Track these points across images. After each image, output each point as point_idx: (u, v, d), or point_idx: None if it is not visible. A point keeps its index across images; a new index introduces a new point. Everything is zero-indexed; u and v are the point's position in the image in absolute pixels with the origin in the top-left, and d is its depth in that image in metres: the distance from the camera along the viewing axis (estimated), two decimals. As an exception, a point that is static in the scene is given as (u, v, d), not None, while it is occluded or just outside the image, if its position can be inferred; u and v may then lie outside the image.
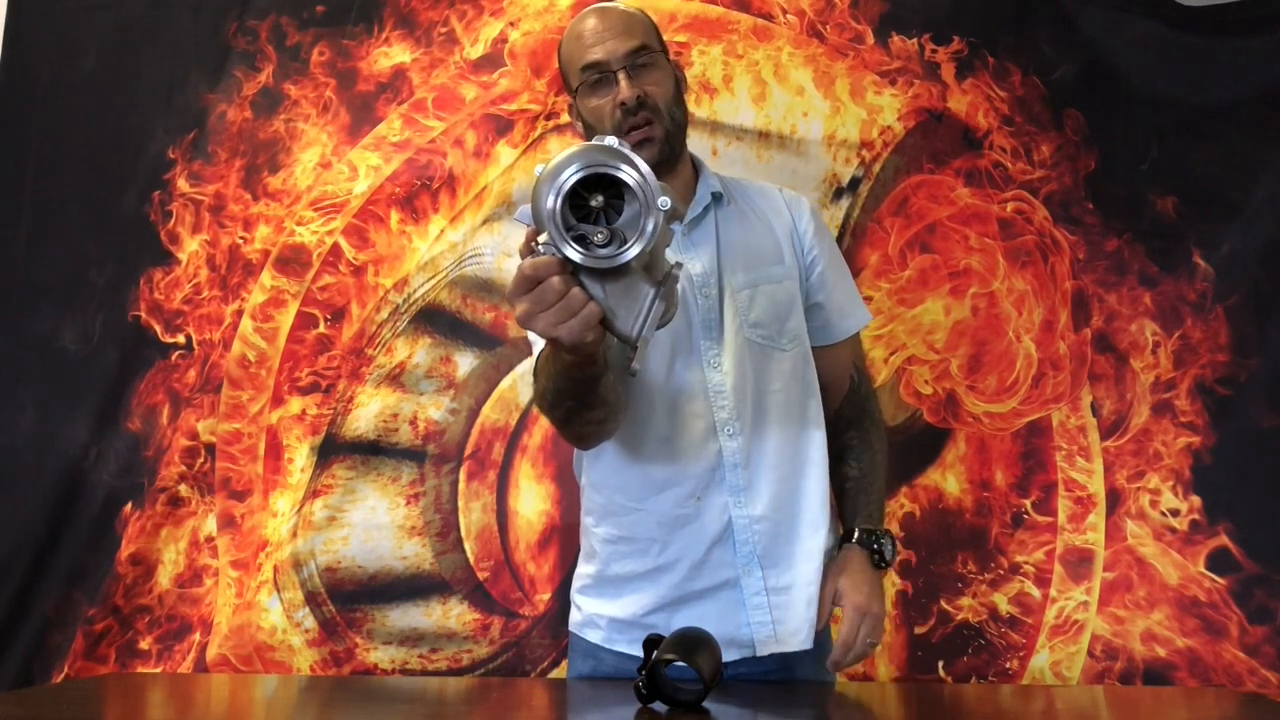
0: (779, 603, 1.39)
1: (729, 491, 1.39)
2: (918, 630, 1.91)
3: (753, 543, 1.39)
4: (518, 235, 1.72)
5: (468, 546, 1.99)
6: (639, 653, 1.39)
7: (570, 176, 1.00)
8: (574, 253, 1.00)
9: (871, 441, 1.53)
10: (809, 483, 1.43)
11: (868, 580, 1.43)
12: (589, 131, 1.45)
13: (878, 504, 1.51)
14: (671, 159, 1.44)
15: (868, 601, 1.40)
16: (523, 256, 1.05)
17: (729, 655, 1.36)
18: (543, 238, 1.02)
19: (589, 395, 1.23)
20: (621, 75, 1.39)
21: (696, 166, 1.52)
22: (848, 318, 1.54)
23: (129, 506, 2.00)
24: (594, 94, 1.42)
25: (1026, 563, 1.91)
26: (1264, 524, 1.86)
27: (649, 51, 1.42)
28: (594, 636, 1.46)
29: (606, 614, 1.45)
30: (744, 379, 1.41)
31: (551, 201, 1.00)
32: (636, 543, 1.42)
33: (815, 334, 1.51)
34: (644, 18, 1.47)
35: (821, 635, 1.44)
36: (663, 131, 1.41)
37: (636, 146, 1.38)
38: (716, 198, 1.49)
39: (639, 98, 1.38)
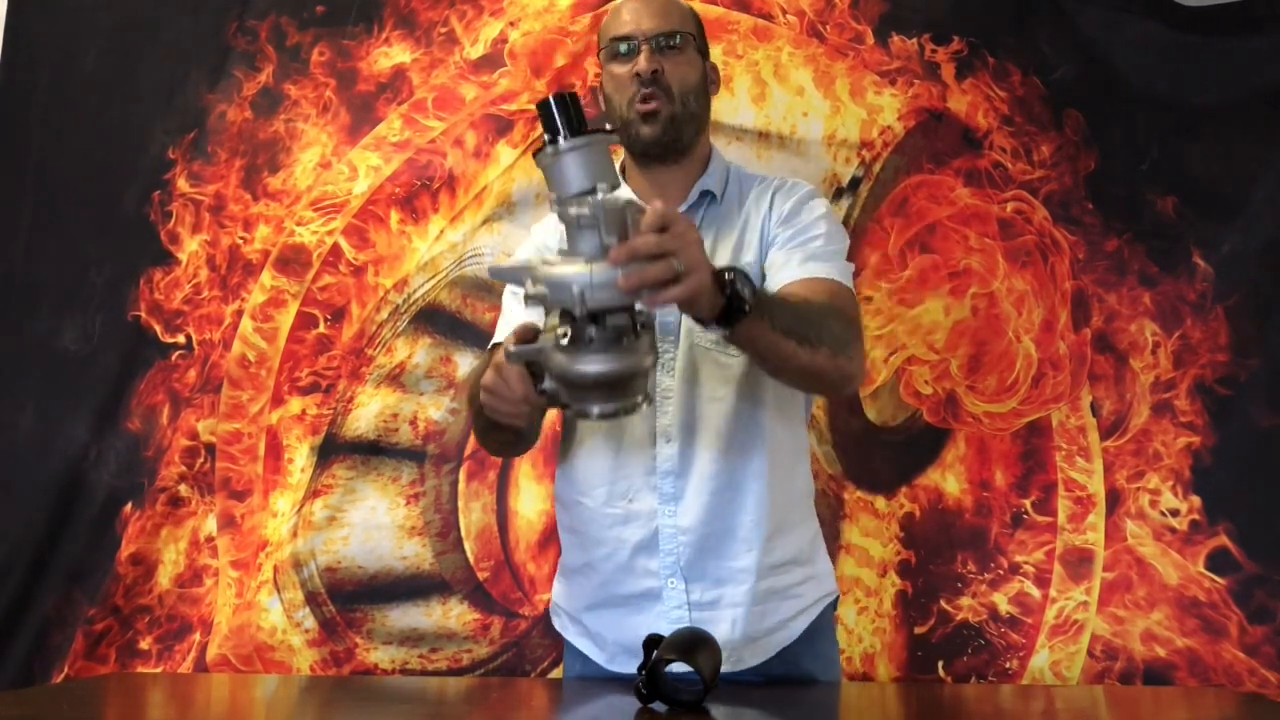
0: (702, 619, 1.34)
1: (659, 499, 1.37)
2: (918, 630, 1.91)
3: (677, 554, 1.36)
4: (517, 236, 1.71)
5: (468, 546, 1.99)
6: (583, 648, 1.43)
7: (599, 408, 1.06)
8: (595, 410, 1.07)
9: (811, 297, 1.30)
10: (747, 499, 1.37)
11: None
12: (607, 105, 1.45)
13: (773, 294, 1.26)
14: (677, 147, 1.42)
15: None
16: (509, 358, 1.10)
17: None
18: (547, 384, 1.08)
19: (508, 428, 1.25)
20: (644, 48, 1.40)
21: (708, 164, 1.47)
22: (812, 262, 1.36)
23: (129, 506, 2.00)
24: (616, 61, 1.42)
25: (1026, 563, 1.91)
26: (1264, 524, 1.86)
27: (681, 36, 1.42)
28: (557, 623, 1.50)
29: (562, 602, 1.49)
30: (689, 385, 1.38)
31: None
32: (575, 534, 1.45)
33: (772, 278, 1.37)
34: (687, 8, 1.48)
35: (815, 636, 1.42)
36: (670, 112, 1.39)
37: (641, 118, 1.40)
38: (706, 196, 1.45)
39: (654, 72, 1.38)
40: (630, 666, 1.37)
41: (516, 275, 1.05)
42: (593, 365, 1.02)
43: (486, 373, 1.18)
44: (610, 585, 1.40)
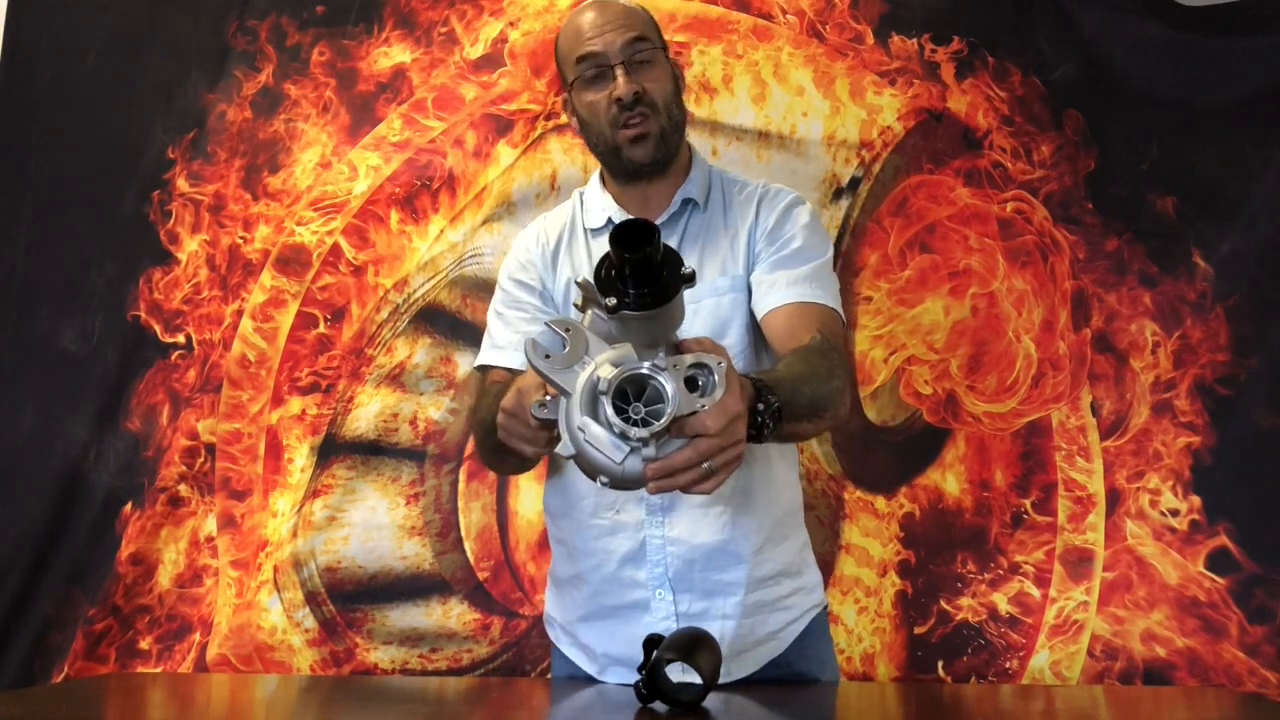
0: None
1: (646, 510, 1.36)
2: (917, 630, 1.91)
3: (665, 564, 1.36)
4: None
5: (468, 546, 1.99)
6: (575, 659, 1.43)
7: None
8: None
9: (810, 356, 1.25)
10: (740, 515, 1.36)
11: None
12: (584, 129, 1.43)
13: (788, 381, 1.16)
14: (666, 158, 1.41)
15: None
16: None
17: (635, 678, 1.34)
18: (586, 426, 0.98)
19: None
20: (619, 70, 1.37)
21: (689, 170, 1.47)
22: (797, 286, 1.35)
23: (129, 506, 2.00)
24: (590, 88, 1.39)
25: (1026, 563, 1.91)
26: (1264, 524, 1.86)
27: (648, 43, 1.39)
28: (551, 633, 1.51)
29: (554, 613, 1.50)
30: None
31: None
32: (564, 545, 1.45)
33: (759, 301, 1.37)
34: (644, 13, 1.45)
35: (806, 640, 1.41)
36: (659, 128, 1.38)
37: (631, 142, 1.37)
38: (689, 204, 1.44)
39: (636, 94, 1.36)
40: (621, 676, 1.37)
41: (557, 381, 0.98)
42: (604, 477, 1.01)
43: (507, 394, 1.14)
44: (599, 596, 1.40)
